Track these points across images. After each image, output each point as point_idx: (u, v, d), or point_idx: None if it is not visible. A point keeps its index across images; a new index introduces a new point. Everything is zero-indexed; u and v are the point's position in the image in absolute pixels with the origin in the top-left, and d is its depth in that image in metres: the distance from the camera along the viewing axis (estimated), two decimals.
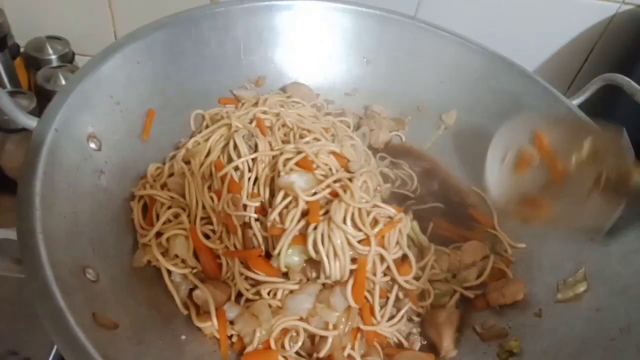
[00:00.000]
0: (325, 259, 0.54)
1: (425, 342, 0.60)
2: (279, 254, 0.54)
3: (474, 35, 0.77)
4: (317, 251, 0.54)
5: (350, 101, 0.81)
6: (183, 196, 0.60)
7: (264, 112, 0.70)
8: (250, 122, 0.68)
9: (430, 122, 0.80)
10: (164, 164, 0.65)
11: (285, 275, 0.56)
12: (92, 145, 0.54)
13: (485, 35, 0.77)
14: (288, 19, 0.74)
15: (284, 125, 0.70)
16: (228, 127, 0.67)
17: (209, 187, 0.61)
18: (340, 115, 0.79)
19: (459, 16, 0.85)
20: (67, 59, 0.88)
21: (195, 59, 0.68)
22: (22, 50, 0.88)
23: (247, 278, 0.56)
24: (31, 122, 0.50)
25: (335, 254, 0.54)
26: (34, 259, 0.41)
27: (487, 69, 0.75)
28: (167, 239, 0.56)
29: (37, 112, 0.78)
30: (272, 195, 0.59)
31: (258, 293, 0.56)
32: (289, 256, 0.54)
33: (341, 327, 0.53)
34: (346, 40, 0.77)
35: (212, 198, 0.59)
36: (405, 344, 0.59)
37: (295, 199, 0.56)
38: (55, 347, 0.59)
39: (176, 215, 0.59)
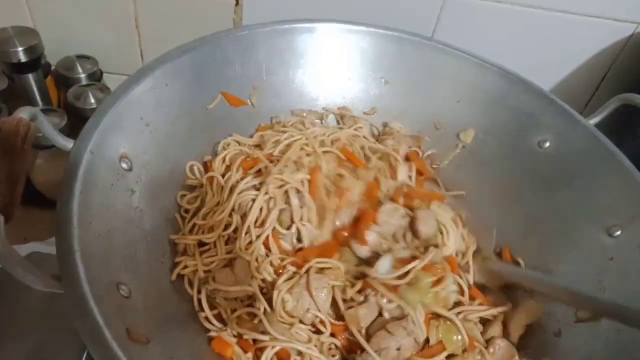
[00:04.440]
0: None
1: None
2: None
3: (490, 55, 0.78)
4: None
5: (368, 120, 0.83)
6: None
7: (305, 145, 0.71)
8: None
9: (448, 141, 0.81)
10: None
11: None
12: (124, 165, 0.56)
13: (501, 55, 0.78)
14: (309, 41, 0.76)
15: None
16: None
17: None
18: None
19: (475, 37, 0.87)
20: (96, 77, 0.91)
21: (219, 80, 0.71)
22: (52, 68, 0.92)
23: None
24: (67, 143, 0.53)
25: None
26: (72, 275, 0.42)
27: (504, 88, 0.76)
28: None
29: (68, 129, 0.82)
30: None
31: None
32: None
33: None
34: (365, 61, 0.79)
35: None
36: None
37: None
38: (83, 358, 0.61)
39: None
